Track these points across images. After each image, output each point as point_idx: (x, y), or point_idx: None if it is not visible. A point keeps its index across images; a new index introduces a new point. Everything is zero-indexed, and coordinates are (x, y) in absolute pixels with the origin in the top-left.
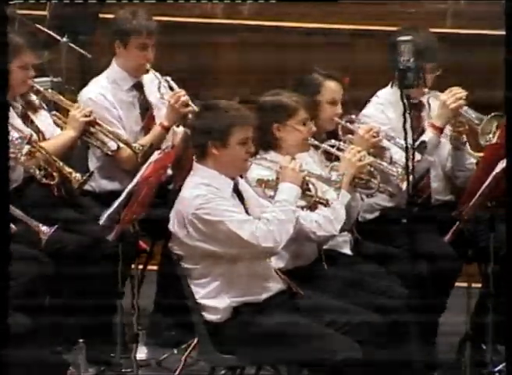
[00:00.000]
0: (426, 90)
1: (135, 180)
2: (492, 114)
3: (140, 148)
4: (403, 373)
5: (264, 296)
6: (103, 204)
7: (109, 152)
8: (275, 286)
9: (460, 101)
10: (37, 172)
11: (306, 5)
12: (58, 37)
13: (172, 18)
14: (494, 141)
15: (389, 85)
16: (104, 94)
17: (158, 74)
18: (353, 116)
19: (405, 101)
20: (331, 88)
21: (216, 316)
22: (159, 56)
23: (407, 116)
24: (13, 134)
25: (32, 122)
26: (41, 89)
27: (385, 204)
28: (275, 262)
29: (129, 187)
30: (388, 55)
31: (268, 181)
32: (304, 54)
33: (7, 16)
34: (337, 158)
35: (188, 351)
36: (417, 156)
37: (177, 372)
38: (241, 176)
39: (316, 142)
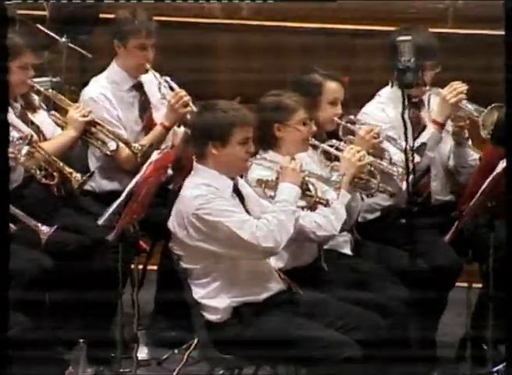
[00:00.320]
0: (426, 88)
1: (135, 180)
2: (492, 105)
3: (140, 148)
4: (403, 372)
5: (265, 296)
6: (103, 204)
7: (109, 152)
8: (276, 286)
9: (460, 95)
10: (37, 172)
11: (306, 5)
12: (58, 37)
13: (171, 18)
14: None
15: (389, 84)
16: (104, 93)
17: (157, 74)
18: (353, 117)
19: (405, 100)
20: (331, 88)
21: (216, 316)
22: (159, 56)
23: (407, 115)
24: (13, 134)
25: (32, 122)
26: (42, 89)
27: (385, 204)
28: (275, 262)
29: (129, 187)
30: (388, 54)
31: (268, 181)
32: (304, 54)
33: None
34: (337, 159)
35: (188, 351)
36: (417, 158)
37: (177, 372)
38: (241, 176)
39: (316, 142)
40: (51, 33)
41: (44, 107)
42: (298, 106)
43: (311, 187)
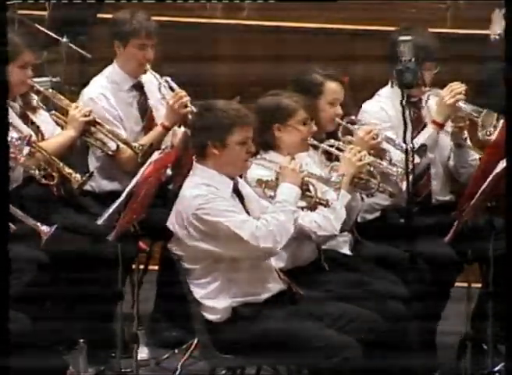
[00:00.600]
0: (426, 88)
1: (135, 180)
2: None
3: (140, 147)
4: (403, 372)
5: (265, 296)
6: (103, 204)
7: (110, 152)
8: (276, 286)
9: (458, 95)
10: (37, 172)
11: (306, 5)
12: (58, 37)
13: (171, 18)
14: (494, 134)
15: (389, 84)
16: (104, 93)
17: (157, 75)
18: (354, 117)
19: (404, 100)
20: (332, 89)
21: (216, 316)
22: (159, 56)
23: (407, 115)
24: (13, 135)
25: (32, 122)
26: (41, 89)
27: (385, 204)
28: (275, 262)
29: (129, 187)
30: (388, 54)
31: (267, 181)
32: (304, 54)
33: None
34: (337, 159)
35: (188, 351)
36: (417, 159)
37: (177, 372)
38: (240, 176)
39: (316, 142)
40: (51, 34)
41: (44, 107)
42: (298, 106)
43: (310, 187)
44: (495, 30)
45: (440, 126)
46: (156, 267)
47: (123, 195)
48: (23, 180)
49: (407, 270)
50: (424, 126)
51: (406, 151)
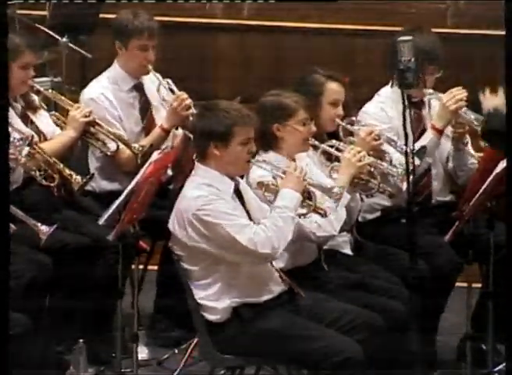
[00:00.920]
0: (428, 91)
1: (135, 180)
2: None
3: (140, 148)
4: (403, 372)
5: (265, 298)
6: (103, 204)
7: (109, 153)
8: (276, 288)
9: (460, 102)
10: (37, 173)
11: (306, 4)
12: (59, 37)
13: (171, 18)
14: None
15: (389, 84)
16: (105, 94)
17: (159, 76)
18: (354, 118)
19: (405, 100)
20: (333, 89)
21: (216, 316)
22: (159, 56)
23: (407, 115)
24: (14, 135)
25: (32, 122)
26: (42, 89)
27: (385, 204)
28: (276, 263)
29: (129, 187)
30: (388, 54)
31: (268, 185)
32: (304, 54)
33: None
34: (337, 159)
35: (188, 351)
36: (416, 161)
37: (177, 372)
38: (242, 177)
39: (316, 142)
40: (52, 33)
41: (45, 107)
42: (298, 106)
43: (311, 195)
44: (486, 106)
45: (440, 131)
46: (156, 267)
47: (123, 195)
48: (23, 180)
49: (407, 270)
50: (425, 128)
51: (406, 153)
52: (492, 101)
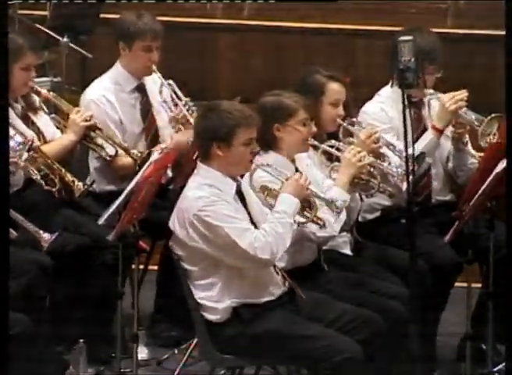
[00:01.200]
0: (428, 91)
1: (135, 180)
2: (492, 115)
3: (139, 154)
4: (403, 372)
5: (265, 299)
6: (103, 204)
7: (107, 158)
8: (277, 289)
9: (460, 102)
10: (39, 177)
11: (306, 4)
12: (59, 37)
13: (172, 18)
14: (495, 141)
15: (390, 84)
16: (106, 96)
17: (162, 79)
18: (354, 119)
19: (405, 100)
20: (334, 89)
21: (216, 317)
22: (160, 56)
23: (407, 115)
24: (16, 139)
25: (33, 123)
26: (44, 91)
27: (385, 204)
28: (276, 263)
29: (129, 187)
30: (389, 54)
31: (271, 189)
32: (304, 54)
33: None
34: (338, 159)
35: (188, 351)
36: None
37: (177, 372)
38: (241, 176)
39: (316, 142)
40: (52, 33)
41: (45, 109)
42: (298, 106)
43: (312, 205)
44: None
45: (440, 132)
46: (156, 267)
47: (123, 195)
48: (24, 182)
49: (407, 270)
50: (425, 128)
51: (406, 152)
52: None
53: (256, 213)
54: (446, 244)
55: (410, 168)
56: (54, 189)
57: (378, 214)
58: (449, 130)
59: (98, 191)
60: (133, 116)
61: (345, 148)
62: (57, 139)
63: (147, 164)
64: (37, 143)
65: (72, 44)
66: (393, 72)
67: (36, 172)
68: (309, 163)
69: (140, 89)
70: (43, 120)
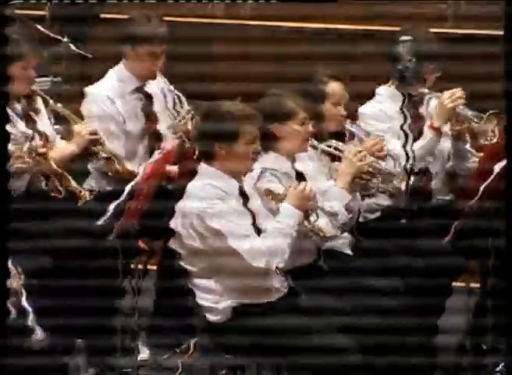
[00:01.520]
0: (426, 90)
1: (135, 180)
2: (490, 112)
3: (131, 172)
4: (403, 373)
5: (265, 299)
6: (103, 203)
7: (109, 173)
8: (277, 290)
9: (458, 100)
10: (44, 184)
11: (306, 5)
12: (59, 37)
13: (172, 18)
14: (494, 139)
15: (389, 83)
16: (110, 96)
17: (166, 82)
18: (359, 123)
19: (405, 100)
20: (336, 89)
21: (216, 317)
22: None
23: (407, 114)
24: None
25: (34, 123)
26: (51, 101)
27: (385, 204)
28: None
29: (130, 186)
30: (388, 54)
31: (276, 194)
32: (304, 54)
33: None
34: (340, 159)
35: (188, 351)
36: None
37: (177, 372)
38: (245, 174)
39: (315, 142)
40: (52, 34)
41: (47, 114)
42: (297, 107)
43: (314, 214)
44: None
45: (438, 130)
46: (156, 267)
47: (124, 195)
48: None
49: (407, 270)
50: (424, 127)
51: (405, 152)
52: None
53: (259, 213)
54: (446, 244)
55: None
56: (59, 196)
57: (378, 214)
58: (449, 129)
59: (99, 191)
60: (134, 117)
61: (344, 147)
62: (59, 148)
63: (147, 164)
64: (44, 150)
65: (71, 44)
66: (393, 71)
67: (42, 178)
68: (311, 165)
69: (142, 90)
70: (44, 120)
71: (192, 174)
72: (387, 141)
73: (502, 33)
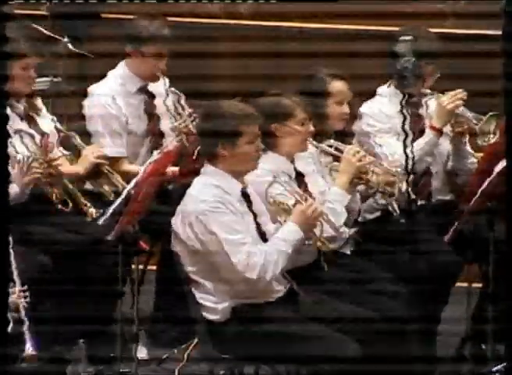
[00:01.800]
0: (426, 90)
1: (135, 180)
2: (490, 113)
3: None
4: (403, 373)
5: (265, 299)
6: (103, 204)
7: (111, 198)
8: (277, 289)
9: (458, 101)
10: (54, 196)
11: (306, 5)
12: (59, 37)
13: (172, 18)
14: (493, 140)
15: (388, 84)
16: (113, 96)
17: (168, 83)
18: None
19: (404, 100)
20: (338, 88)
21: (216, 317)
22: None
23: (406, 115)
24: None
25: (35, 123)
26: (59, 126)
27: (385, 204)
28: None
29: (129, 186)
30: (388, 54)
31: (281, 203)
32: (304, 54)
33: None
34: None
35: (188, 351)
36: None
37: (177, 372)
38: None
39: (315, 142)
40: (51, 34)
41: (47, 113)
42: (296, 106)
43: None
44: None
45: (438, 131)
46: (156, 267)
47: (123, 195)
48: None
49: (407, 270)
50: (424, 127)
51: (405, 152)
52: None
53: (261, 212)
54: (446, 244)
55: (411, 165)
56: (66, 209)
57: (378, 214)
58: (448, 130)
59: (98, 191)
60: (137, 117)
61: (344, 147)
62: (64, 167)
63: (147, 164)
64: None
65: (71, 45)
66: (392, 72)
67: (50, 189)
68: (310, 164)
69: (146, 90)
70: (45, 120)
71: (192, 174)
72: (386, 141)
73: (499, 33)
